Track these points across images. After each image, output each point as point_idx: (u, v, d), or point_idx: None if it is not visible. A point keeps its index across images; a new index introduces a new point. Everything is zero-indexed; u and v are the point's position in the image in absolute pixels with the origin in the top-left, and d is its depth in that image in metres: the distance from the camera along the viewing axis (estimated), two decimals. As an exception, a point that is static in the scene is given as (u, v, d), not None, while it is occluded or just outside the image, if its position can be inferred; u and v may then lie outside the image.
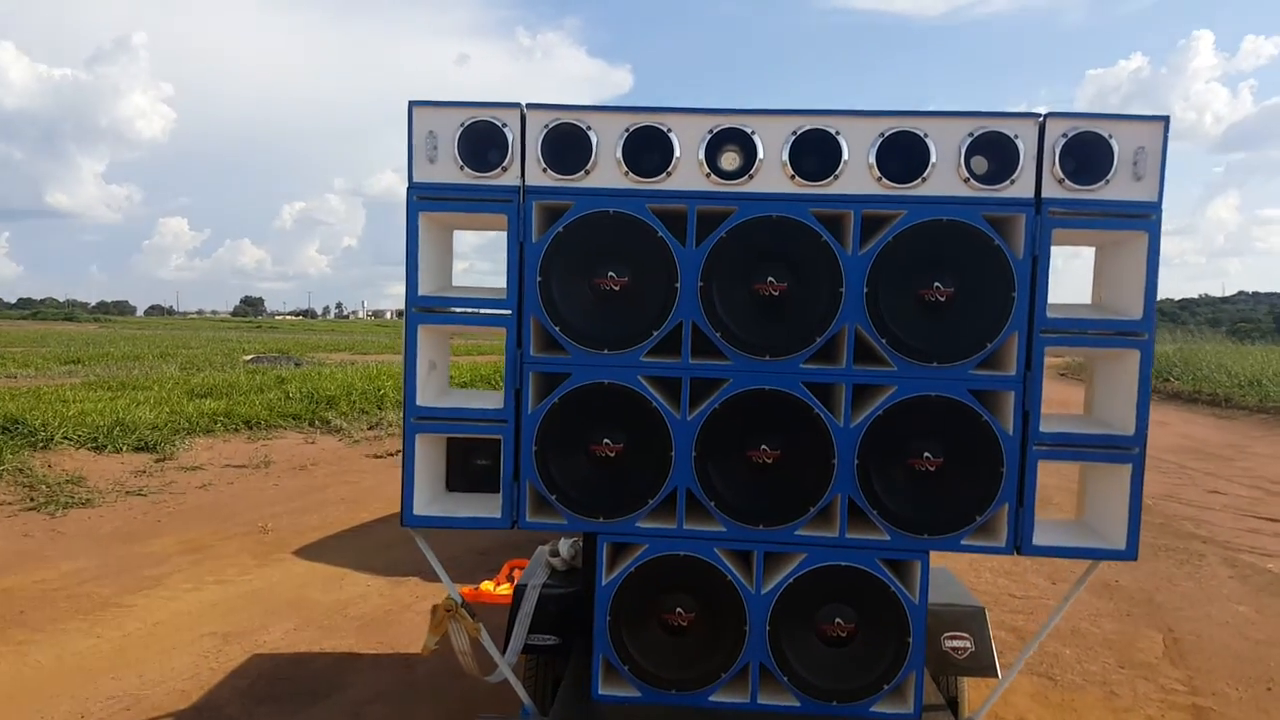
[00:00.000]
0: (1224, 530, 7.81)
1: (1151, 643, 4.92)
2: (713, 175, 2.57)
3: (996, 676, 3.05)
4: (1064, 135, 2.51)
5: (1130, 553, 2.62)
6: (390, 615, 5.25)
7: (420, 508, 2.74)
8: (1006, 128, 2.51)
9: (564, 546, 3.45)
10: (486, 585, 5.18)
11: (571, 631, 3.16)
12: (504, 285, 2.64)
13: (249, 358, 24.20)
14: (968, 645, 3.08)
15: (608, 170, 2.58)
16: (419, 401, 2.68)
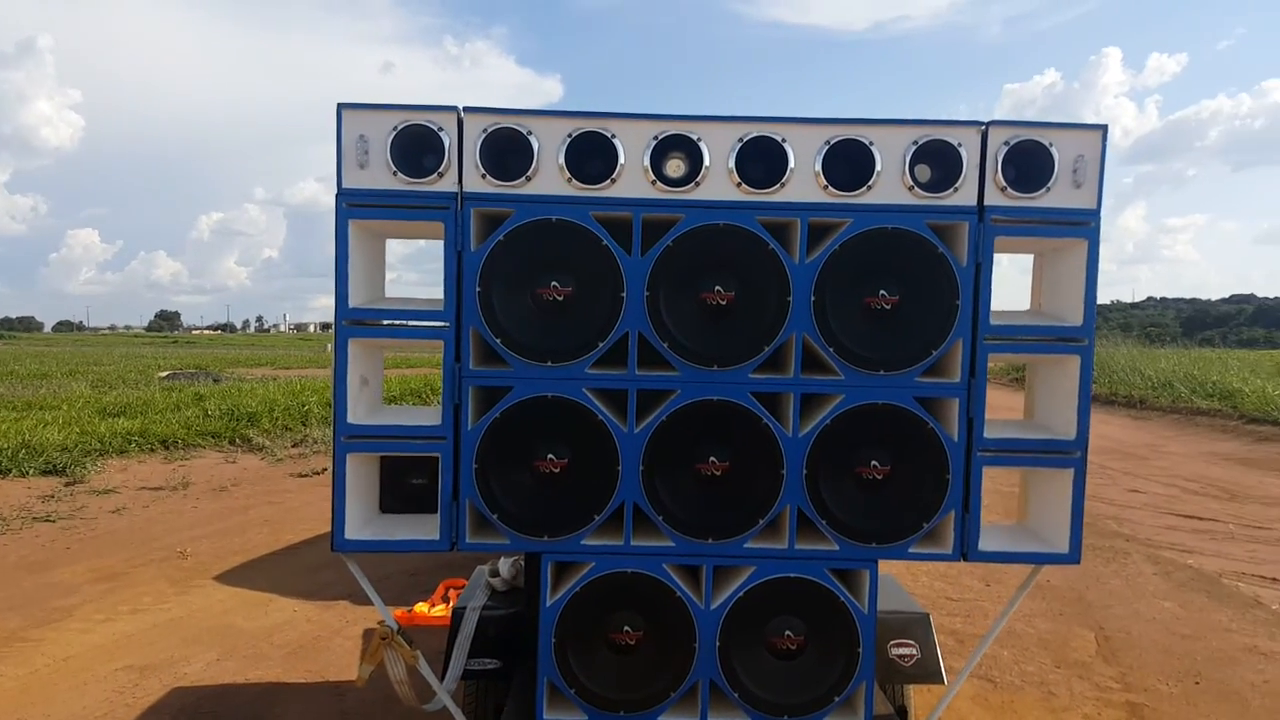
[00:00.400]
0: (1145, 528, 8.05)
1: (1085, 641, 5.01)
2: (658, 182, 2.52)
3: (943, 683, 3.05)
4: (1005, 143, 2.52)
5: (1073, 556, 2.64)
6: (319, 641, 5.05)
7: (352, 531, 2.62)
8: (950, 136, 2.51)
9: (504, 566, 3.34)
10: (421, 607, 5.02)
11: (514, 654, 3.05)
12: (439, 295, 2.54)
13: (165, 374, 23.35)
14: (914, 653, 3.07)
15: (550, 177, 2.51)
16: (350, 419, 2.55)
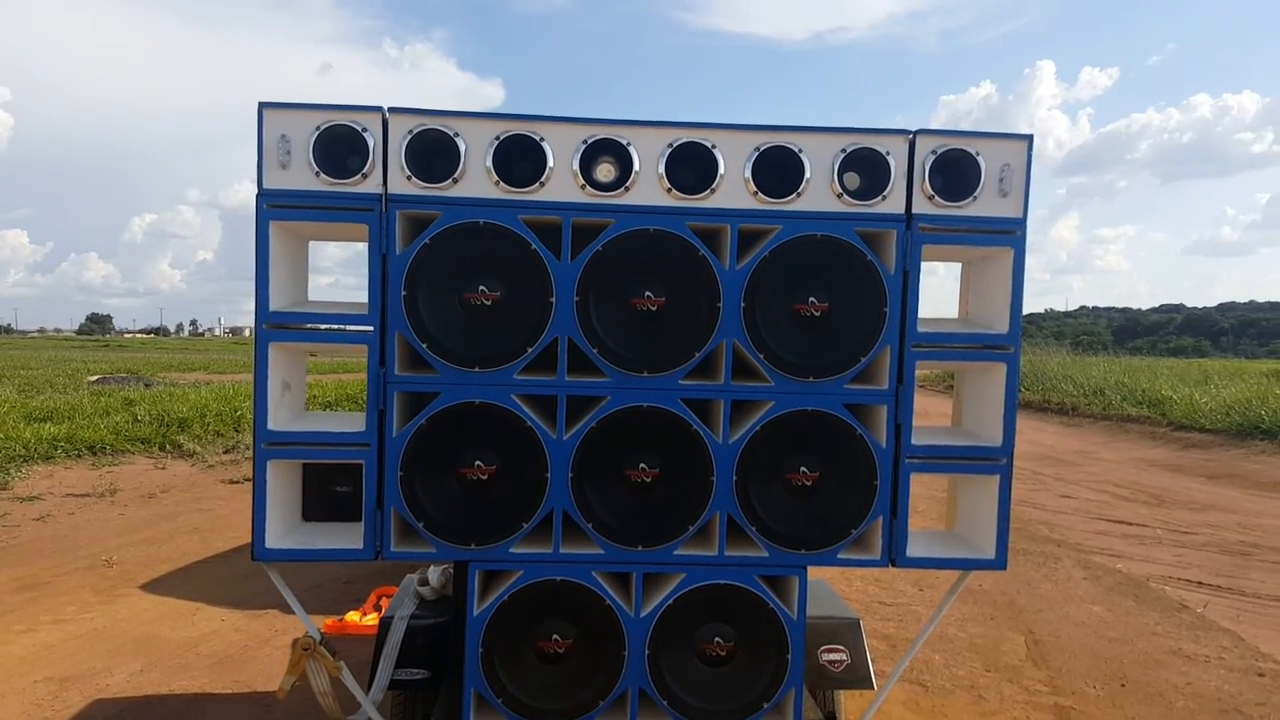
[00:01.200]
0: (1076, 533, 8.23)
1: (1014, 645, 5.09)
2: (588, 187, 2.49)
3: (873, 688, 3.06)
4: (933, 152, 2.54)
5: (1000, 562, 2.67)
6: (247, 652, 4.92)
7: (273, 540, 2.55)
8: (878, 144, 2.53)
9: (434, 574, 3.28)
10: (352, 616, 4.93)
11: (442, 664, 3.00)
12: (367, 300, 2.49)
13: (94, 378, 22.65)
14: (844, 658, 3.07)
15: (477, 179, 2.47)
16: (271, 425, 2.49)
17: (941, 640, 5.11)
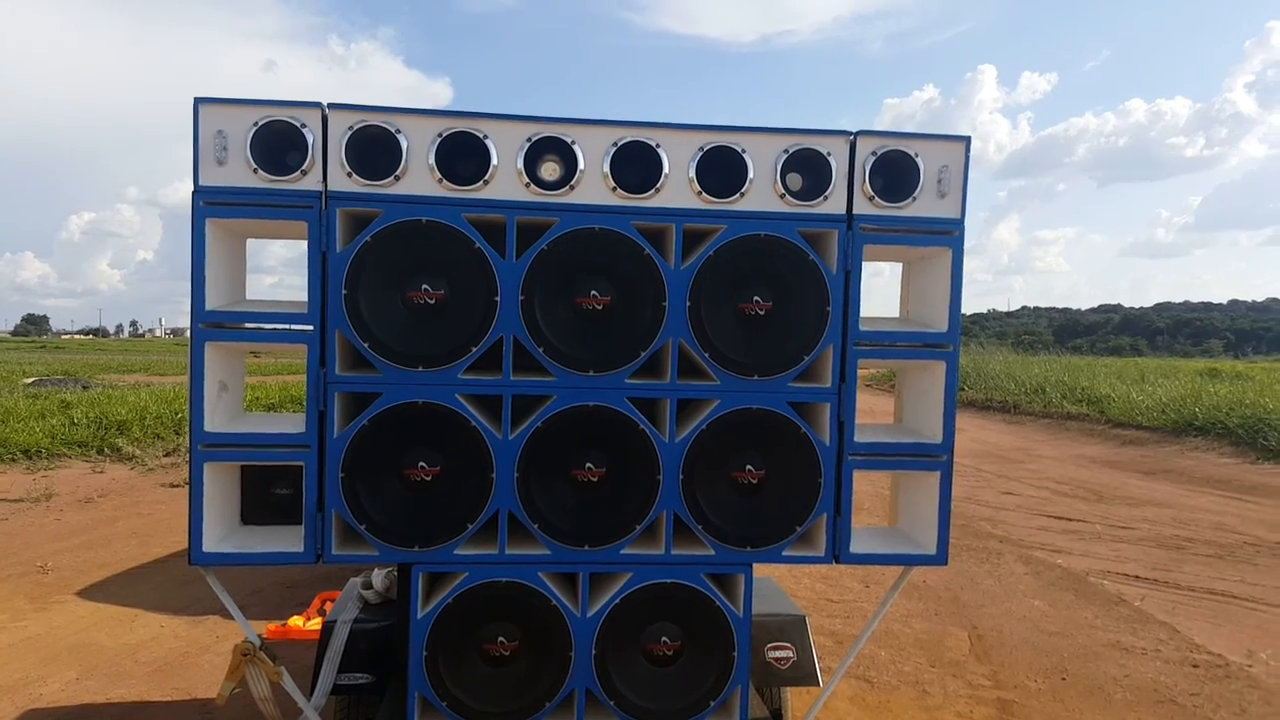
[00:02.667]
0: (1018, 529, 8.39)
1: (958, 640, 5.18)
2: (532, 185, 2.48)
3: (819, 685, 3.08)
4: (873, 153, 2.57)
5: (940, 557, 2.71)
6: (187, 658, 4.80)
7: (211, 544, 2.49)
8: (820, 145, 2.55)
9: (377, 577, 3.24)
10: (295, 621, 4.83)
11: (386, 668, 2.96)
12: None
13: (30, 381, 22.00)
14: (790, 655, 3.10)
15: (420, 177, 2.44)
16: (208, 427, 2.43)
17: (887, 636, 5.17)
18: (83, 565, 6.67)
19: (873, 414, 4.33)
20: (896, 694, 4.36)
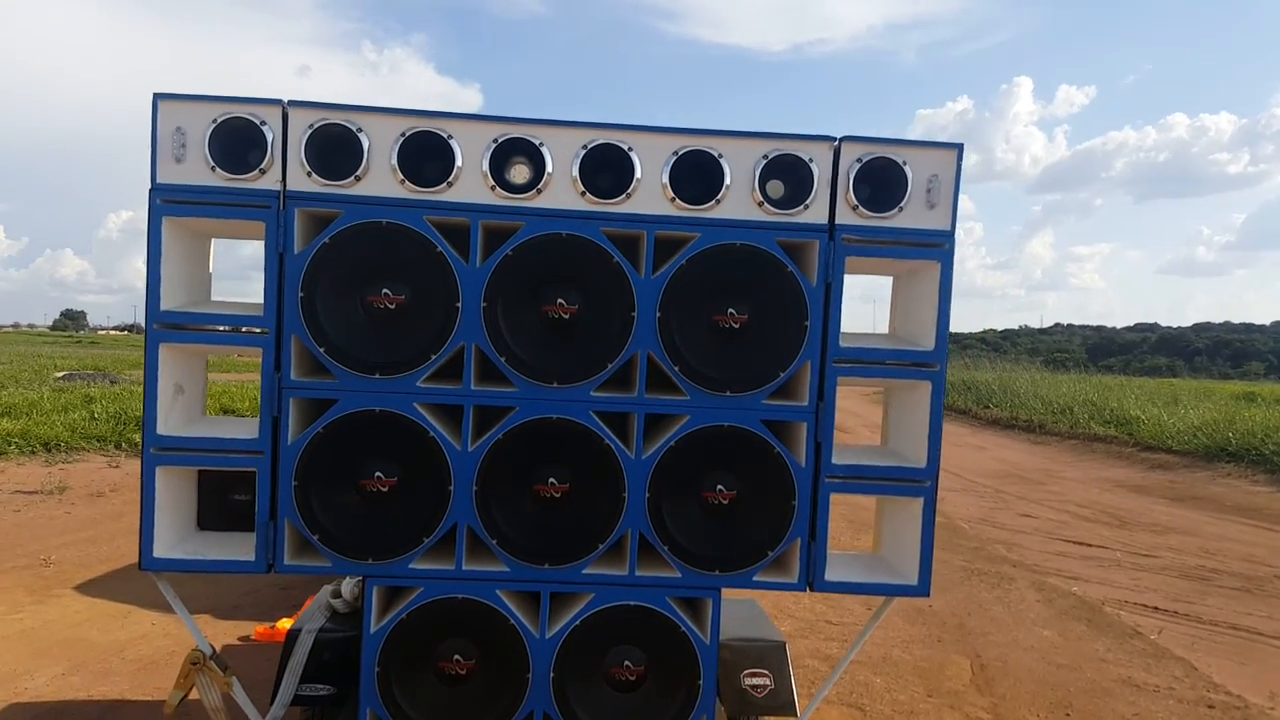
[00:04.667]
0: (1034, 554, 8.16)
1: (960, 669, 5.00)
2: (498, 188, 2.39)
3: (795, 715, 2.95)
4: (858, 160, 2.46)
5: (922, 588, 2.58)
6: (173, 657, 4.74)
7: (163, 549, 2.43)
8: (801, 151, 2.45)
9: (346, 586, 3.15)
10: (285, 623, 4.78)
11: (349, 680, 2.88)
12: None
13: (61, 375, 22.29)
14: (767, 683, 2.96)
15: (381, 177, 2.37)
16: (160, 430, 2.37)
17: (885, 663, 5.01)
18: (85, 560, 6.67)
19: (874, 428, 4.20)
20: (890, 723, 4.21)
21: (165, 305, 2.35)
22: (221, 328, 2.40)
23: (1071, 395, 21.26)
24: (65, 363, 30.23)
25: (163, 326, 2.36)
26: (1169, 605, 6.63)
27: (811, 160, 2.44)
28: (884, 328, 2.87)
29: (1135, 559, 8.14)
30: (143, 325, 2.36)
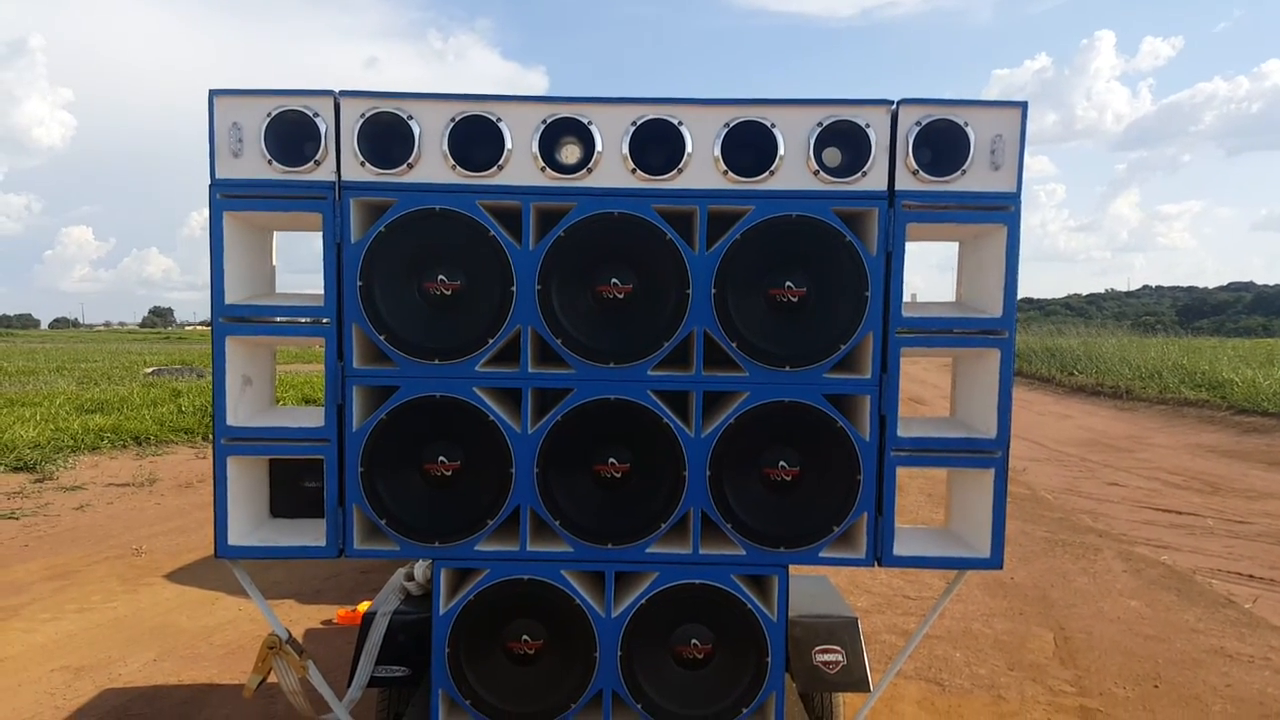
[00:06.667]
0: (1121, 523, 7.92)
1: (1042, 642, 4.88)
2: (548, 169, 2.38)
3: (869, 691, 2.91)
4: (917, 124, 2.38)
5: (995, 561, 2.51)
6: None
7: (237, 537, 2.50)
8: (857, 116, 2.38)
9: (419, 569, 3.21)
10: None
11: (424, 661, 2.93)
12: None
13: (150, 370, 23.21)
14: (839, 659, 2.93)
15: (433, 164, 2.37)
16: (230, 421, 2.43)
17: (965, 636, 4.92)
18: (174, 548, 6.95)
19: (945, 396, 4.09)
20: (969, 698, 4.13)
21: (229, 299, 2.41)
22: (284, 319, 2.45)
23: (1160, 359, 20.51)
24: (154, 358, 31.45)
25: (228, 320, 2.42)
26: (1264, 573, 6.39)
27: (868, 125, 2.37)
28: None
29: (1228, 526, 7.84)
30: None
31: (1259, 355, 21.79)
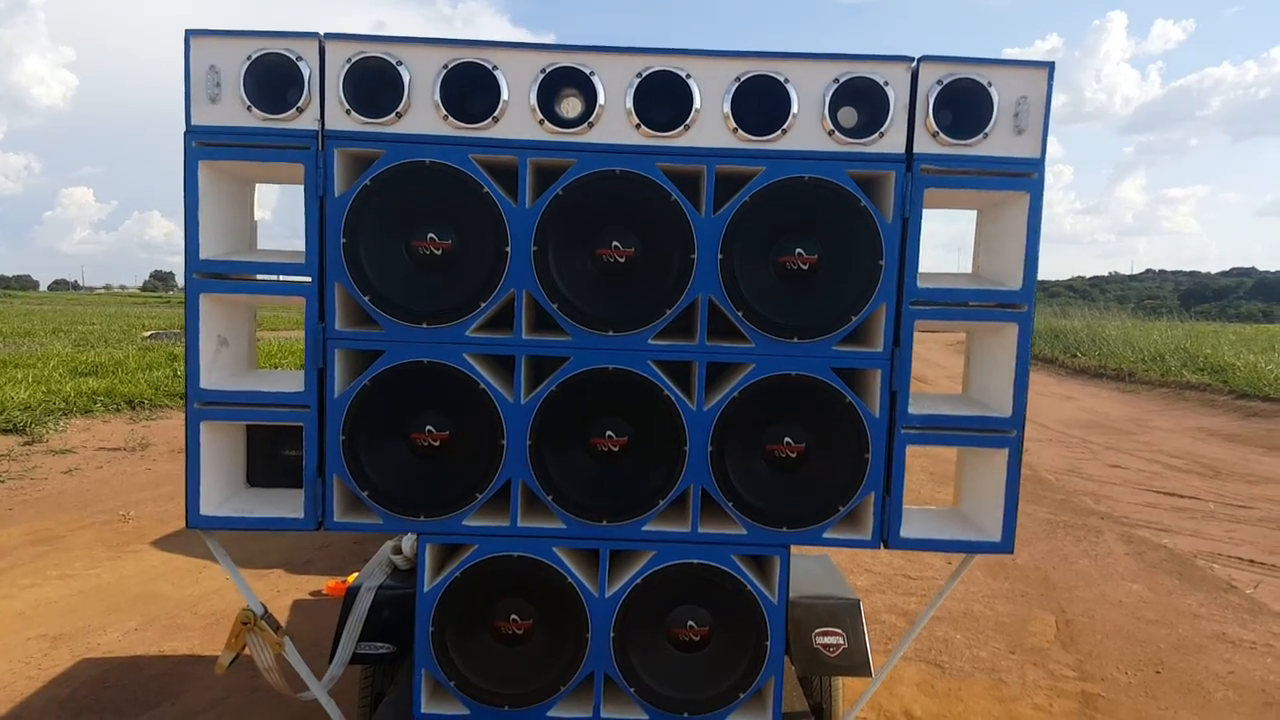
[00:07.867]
0: (1123, 505, 7.83)
1: (1044, 625, 4.79)
2: (547, 123, 2.24)
3: (870, 675, 2.81)
4: (939, 83, 2.23)
5: (1006, 545, 2.40)
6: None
7: (210, 506, 2.37)
8: (876, 73, 2.23)
9: (407, 543, 3.10)
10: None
11: (409, 638, 2.82)
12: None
13: (148, 334, 23.04)
14: (840, 642, 2.82)
15: (424, 114, 2.23)
16: (204, 384, 2.30)
17: (965, 618, 4.82)
18: (162, 515, 6.83)
19: (958, 379, 3.95)
20: (969, 682, 4.04)
21: (205, 254, 2.27)
22: (264, 277, 2.31)
23: (1163, 342, 20.39)
24: (154, 322, 31.26)
25: (203, 276, 2.28)
26: (1266, 558, 6.30)
27: (887, 84, 2.22)
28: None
29: (1230, 510, 7.76)
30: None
31: (1261, 340, 21.66)
